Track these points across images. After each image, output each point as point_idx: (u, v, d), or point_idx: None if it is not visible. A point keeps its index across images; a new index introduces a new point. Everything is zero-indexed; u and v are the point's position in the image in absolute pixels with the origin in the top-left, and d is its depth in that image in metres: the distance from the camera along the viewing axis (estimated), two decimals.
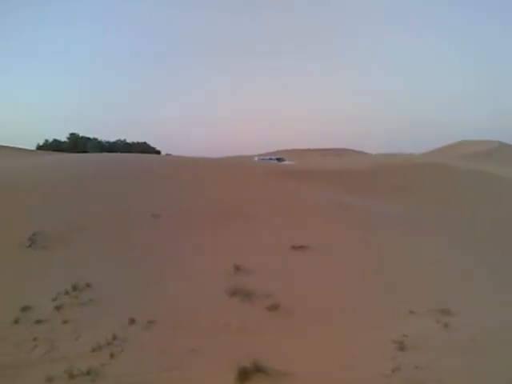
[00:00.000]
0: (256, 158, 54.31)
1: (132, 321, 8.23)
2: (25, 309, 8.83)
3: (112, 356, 6.87)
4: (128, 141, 76.67)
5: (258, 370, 6.14)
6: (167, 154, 66.48)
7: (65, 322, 8.33)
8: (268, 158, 55.20)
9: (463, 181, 31.15)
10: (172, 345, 7.36)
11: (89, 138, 75.58)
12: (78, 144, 72.29)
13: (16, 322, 8.32)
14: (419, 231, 17.22)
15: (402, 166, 35.17)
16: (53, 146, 71.82)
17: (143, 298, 9.61)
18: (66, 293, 9.67)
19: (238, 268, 11.44)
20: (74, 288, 9.89)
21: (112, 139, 77.31)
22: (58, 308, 8.94)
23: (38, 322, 8.34)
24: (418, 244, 15.37)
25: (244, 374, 6.03)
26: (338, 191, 24.40)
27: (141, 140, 77.16)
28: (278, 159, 52.49)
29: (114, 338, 7.48)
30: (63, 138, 76.96)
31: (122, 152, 55.87)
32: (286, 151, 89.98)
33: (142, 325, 8.15)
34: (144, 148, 71.93)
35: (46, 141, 76.10)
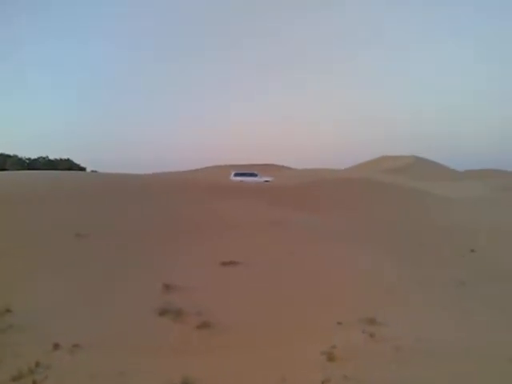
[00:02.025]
0: (232, 174, 46.91)
1: (56, 346, 7.85)
2: None
3: None
4: (50, 157, 73.64)
5: None
6: (92, 171, 64.51)
7: None
8: (249, 173, 47.60)
9: (389, 195, 32.54)
10: (99, 369, 7.10)
11: (8, 156, 71.90)
12: None
13: None
14: (349, 244, 17.70)
15: (332, 181, 36.23)
16: None
17: (68, 321, 9.20)
18: None
19: (167, 287, 11.27)
20: None
21: (33, 156, 73.93)
22: None
23: None
24: (347, 256, 15.78)
25: None
26: (271, 207, 24.68)
27: (64, 156, 74.23)
28: (252, 174, 46.40)
29: (37, 365, 7.09)
30: None
31: (44, 169, 53.53)
32: (214, 167, 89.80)
33: (67, 349, 7.79)
34: (68, 165, 69.35)
35: None
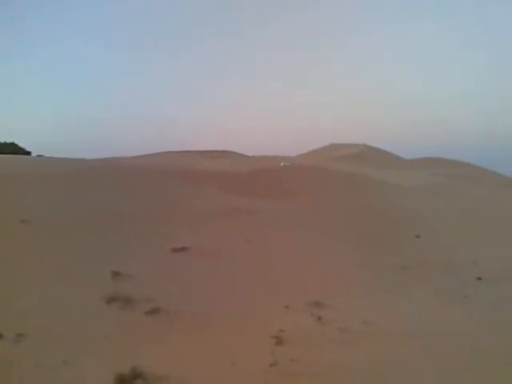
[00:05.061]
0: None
1: None
2: None
3: None
4: None
5: (136, 376, 6.02)
6: (38, 155, 62.16)
7: None
8: None
9: (338, 182, 33.04)
10: (44, 358, 6.91)
11: None
12: None
13: None
14: (300, 230, 17.96)
15: (283, 168, 36.36)
16: None
17: (12, 310, 8.90)
18: None
19: (116, 274, 11.11)
20: None
21: None
22: None
23: None
24: (298, 242, 16.06)
25: (121, 382, 5.88)
26: (224, 193, 24.61)
27: (8, 140, 71.09)
28: None
29: None
30: None
31: None
32: (167, 153, 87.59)
33: (10, 339, 7.54)
34: (12, 149, 66.60)
35: None
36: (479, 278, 12.89)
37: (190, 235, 15.26)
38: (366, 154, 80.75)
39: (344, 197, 27.98)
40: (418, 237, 18.52)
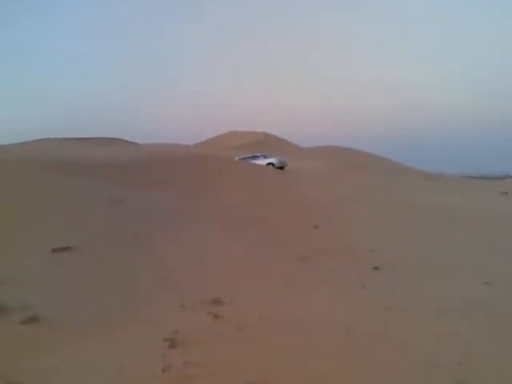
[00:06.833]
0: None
1: None
2: None
3: None
4: None
5: None
6: None
7: None
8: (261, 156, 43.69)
9: (235, 171, 32.86)
10: None
11: None
12: None
13: None
14: (196, 224, 17.33)
15: (179, 158, 35.37)
16: None
17: None
18: None
19: None
20: None
21: None
22: None
23: None
24: (193, 236, 15.50)
25: None
26: (109, 184, 22.96)
27: None
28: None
29: None
30: None
31: None
32: (47, 141, 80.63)
33: None
34: None
35: None
36: (376, 268, 13.20)
37: (74, 233, 13.92)
38: (265, 142, 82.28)
39: (241, 187, 27.86)
40: (316, 227, 18.69)
